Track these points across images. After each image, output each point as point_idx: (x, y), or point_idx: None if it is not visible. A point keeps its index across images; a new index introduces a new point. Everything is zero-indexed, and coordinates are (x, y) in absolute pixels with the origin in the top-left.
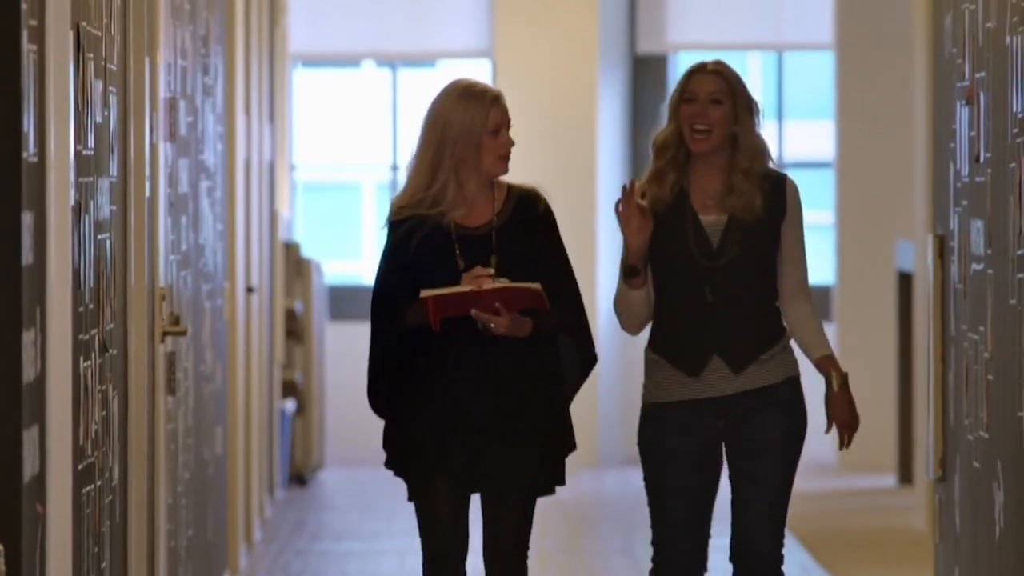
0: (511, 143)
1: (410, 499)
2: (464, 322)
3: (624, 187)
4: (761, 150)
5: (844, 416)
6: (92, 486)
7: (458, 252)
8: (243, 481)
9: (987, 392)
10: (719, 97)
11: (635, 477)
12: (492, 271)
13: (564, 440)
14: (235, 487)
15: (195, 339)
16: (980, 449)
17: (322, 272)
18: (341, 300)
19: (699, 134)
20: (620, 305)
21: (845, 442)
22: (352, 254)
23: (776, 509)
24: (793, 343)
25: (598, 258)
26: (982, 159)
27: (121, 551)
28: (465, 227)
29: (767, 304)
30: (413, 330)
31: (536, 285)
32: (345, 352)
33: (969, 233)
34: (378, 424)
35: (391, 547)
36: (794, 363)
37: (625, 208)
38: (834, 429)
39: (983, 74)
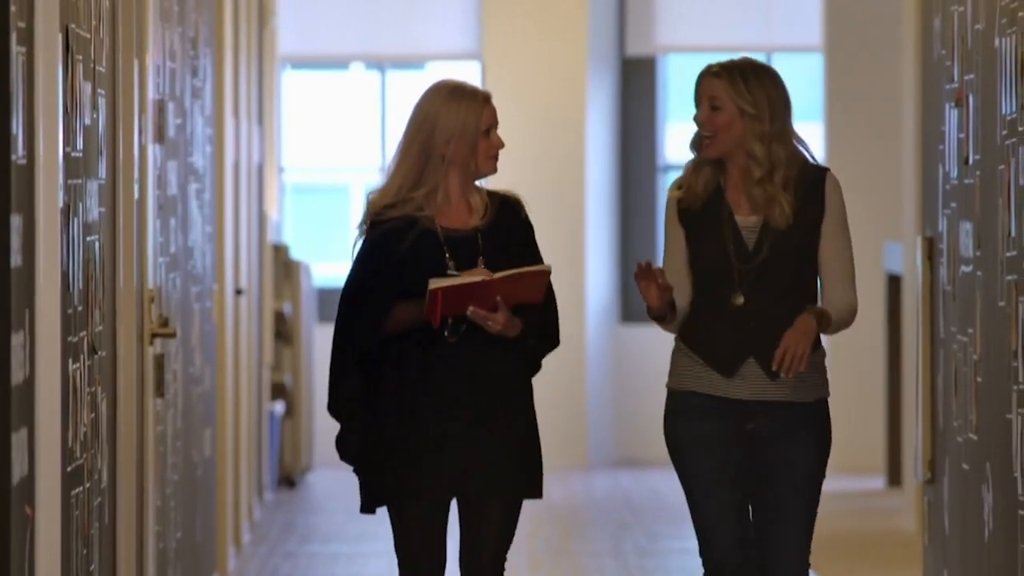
0: (501, 143)
1: (371, 509)
2: (435, 332)
3: (639, 265)
4: (782, 159)
5: (792, 338)
6: (81, 488)
7: (447, 253)
8: (232, 483)
9: (976, 394)
10: (717, 103)
11: (625, 479)
12: (485, 272)
13: (538, 447)
14: (224, 489)
15: (184, 341)
16: (969, 451)
17: (311, 274)
18: (330, 302)
19: (705, 139)
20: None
21: (776, 362)
22: (341, 256)
23: (802, 548)
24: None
25: (586, 260)
26: (971, 161)
27: (110, 553)
28: (451, 229)
29: (806, 307)
30: (395, 334)
31: (546, 266)
32: None
33: (958, 235)
34: None
35: (379, 549)
36: (825, 384)
37: (644, 283)
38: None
39: (972, 76)
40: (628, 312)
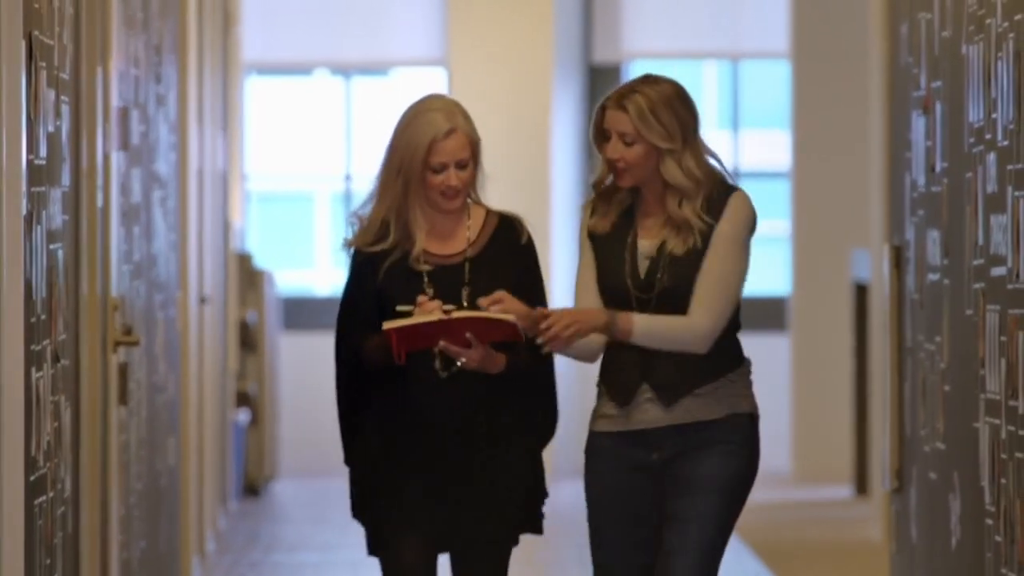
0: (455, 182)
1: (372, 554)
2: (428, 361)
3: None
4: (699, 178)
5: (561, 315)
6: (44, 497)
7: (427, 282)
8: (196, 492)
9: (943, 403)
10: (629, 139)
11: None
12: (441, 304)
13: (539, 488)
14: (188, 498)
15: (148, 350)
16: (936, 460)
17: (275, 282)
18: (294, 310)
19: (619, 172)
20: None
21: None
22: (305, 264)
23: (704, 559)
24: (754, 378)
25: (552, 268)
26: (938, 169)
27: (73, 563)
28: (436, 256)
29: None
30: (375, 368)
31: (511, 317)
32: (299, 363)
33: (925, 243)
34: (333, 434)
35: (344, 559)
36: (743, 398)
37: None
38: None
39: (939, 84)
40: None
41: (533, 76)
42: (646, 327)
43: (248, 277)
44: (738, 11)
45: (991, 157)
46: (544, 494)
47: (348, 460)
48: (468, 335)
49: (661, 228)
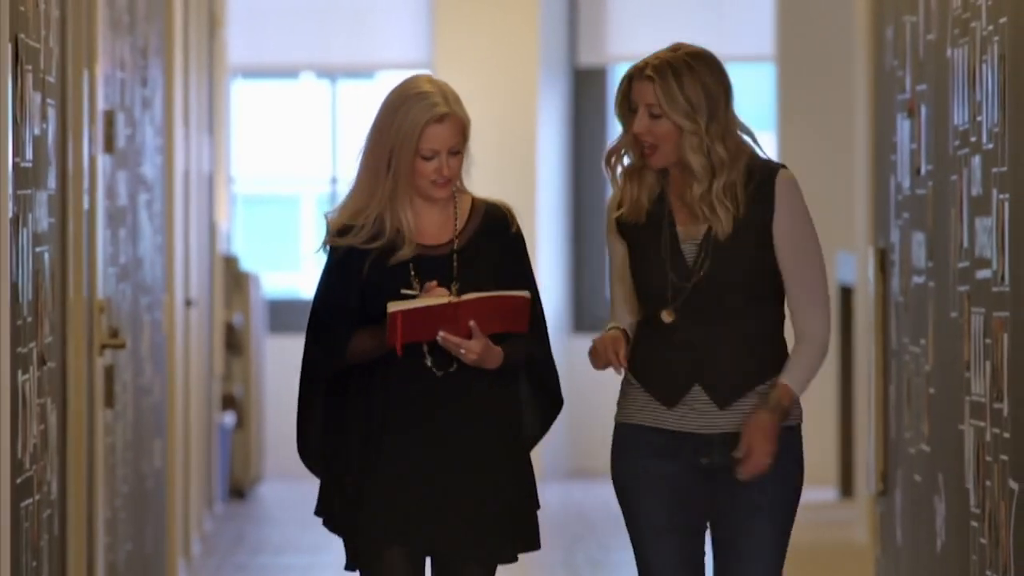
0: (448, 171)
1: (351, 568)
2: (414, 358)
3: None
4: (724, 160)
5: (754, 441)
6: (30, 500)
7: (414, 275)
8: (182, 495)
9: (928, 405)
10: (656, 111)
11: (577, 490)
12: (447, 292)
13: (530, 499)
14: (174, 501)
15: (134, 352)
16: (921, 462)
17: (261, 285)
18: (280, 313)
19: (648, 148)
20: None
21: (744, 470)
22: (291, 267)
23: None
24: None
25: (538, 271)
26: (923, 172)
27: (59, 565)
28: (423, 247)
29: (765, 328)
30: (356, 365)
31: (524, 293)
32: (284, 365)
33: (910, 246)
34: None
35: (330, 560)
36: (795, 409)
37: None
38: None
39: (924, 86)
40: (581, 322)
41: (518, 79)
42: (799, 382)
43: (234, 280)
44: (723, 14)
45: (976, 160)
46: (536, 506)
47: (312, 458)
48: (472, 324)
49: (697, 213)
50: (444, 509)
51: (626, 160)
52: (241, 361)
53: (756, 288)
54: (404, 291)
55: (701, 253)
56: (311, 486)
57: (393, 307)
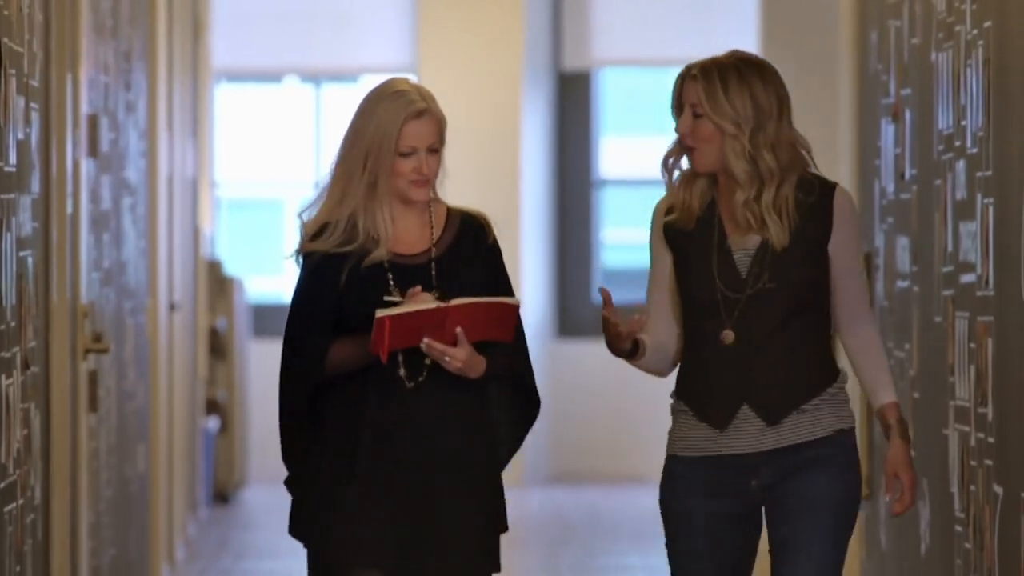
0: (427, 169)
1: None
2: (391, 370)
3: (604, 292)
4: (774, 172)
5: (901, 470)
6: (14, 504)
7: (392, 284)
8: (165, 499)
9: (913, 410)
10: (699, 111)
11: (560, 495)
12: (432, 297)
13: (498, 519)
14: (157, 505)
15: (117, 356)
16: None
17: (244, 289)
18: (264, 317)
19: (691, 151)
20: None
21: (904, 502)
22: (275, 271)
23: None
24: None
25: (522, 276)
26: (907, 176)
27: (43, 570)
28: (400, 255)
29: (812, 343)
30: (336, 376)
31: (514, 300)
32: (268, 370)
33: (895, 250)
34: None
35: None
36: (847, 414)
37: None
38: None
39: (909, 91)
40: (564, 327)
41: (503, 83)
42: (893, 384)
43: (218, 284)
44: (707, 18)
45: (960, 164)
46: (504, 529)
47: (294, 478)
48: (458, 331)
49: (752, 222)
50: (415, 532)
51: (684, 164)
52: (225, 365)
53: (807, 303)
54: (388, 298)
55: (755, 265)
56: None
57: (381, 313)
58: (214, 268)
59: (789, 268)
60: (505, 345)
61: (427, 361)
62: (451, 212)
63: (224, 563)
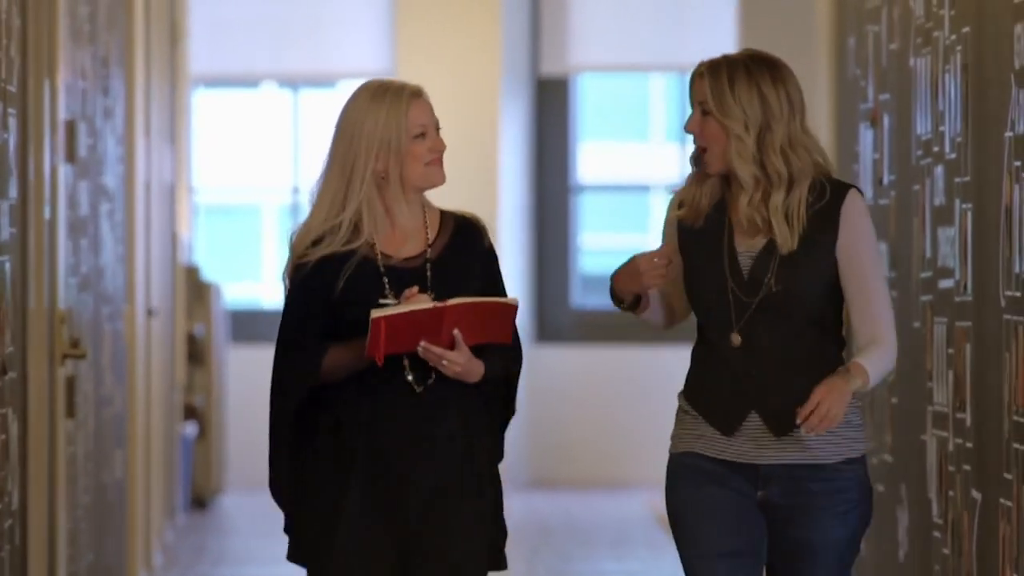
0: (443, 146)
1: None
2: (398, 373)
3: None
4: (782, 175)
5: (823, 396)
6: None
7: (388, 288)
8: (143, 505)
9: (891, 415)
10: (706, 108)
11: (538, 500)
12: (428, 298)
13: (500, 527)
14: (135, 511)
15: (95, 362)
16: (884, 472)
17: (222, 295)
18: (242, 323)
19: (701, 153)
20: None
21: (802, 415)
22: (253, 277)
23: None
24: (860, 409)
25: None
26: (886, 181)
27: None
28: (395, 259)
29: (825, 353)
30: (330, 384)
31: (513, 300)
32: (246, 375)
33: None
34: None
35: (292, 572)
36: (857, 437)
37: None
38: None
39: (887, 96)
40: (542, 332)
41: (481, 88)
42: (875, 370)
43: (195, 290)
44: (685, 24)
45: (939, 170)
46: (505, 534)
47: (283, 494)
48: (456, 333)
49: (759, 224)
50: (417, 547)
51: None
52: (203, 371)
53: (818, 310)
54: (383, 300)
55: (759, 268)
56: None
57: (376, 313)
58: (192, 274)
59: (797, 274)
60: (501, 347)
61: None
62: (444, 215)
63: (202, 569)
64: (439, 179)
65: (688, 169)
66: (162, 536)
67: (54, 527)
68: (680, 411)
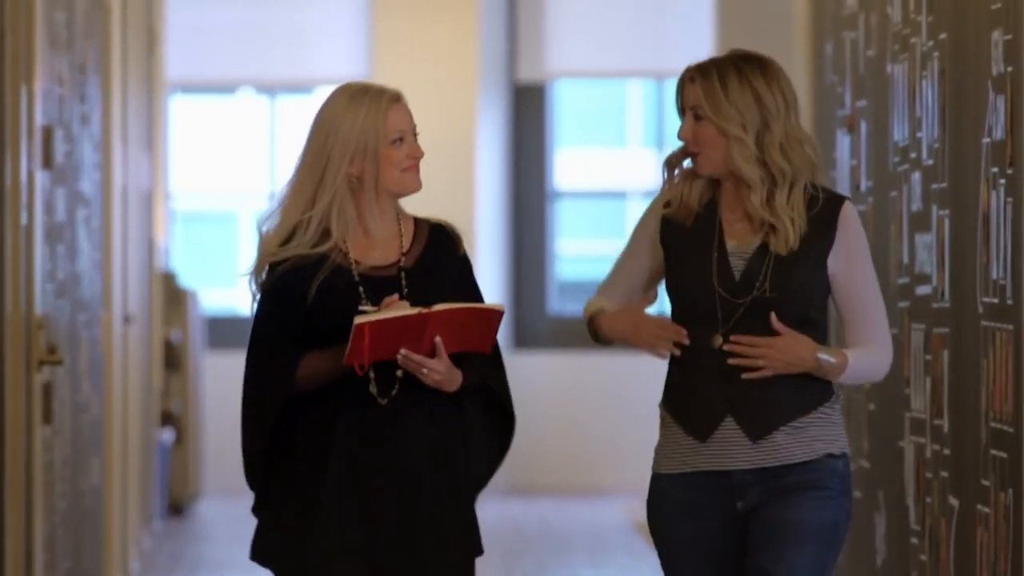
0: (420, 152)
1: None
2: (360, 394)
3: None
4: (786, 173)
5: (782, 344)
6: None
7: (363, 297)
8: (120, 512)
9: (868, 422)
10: (700, 113)
11: (515, 507)
12: (409, 305)
13: (473, 543)
14: (112, 518)
15: (72, 369)
16: (861, 478)
17: (199, 302)
18: (219, 329)
19: (694, 156)
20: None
21: (744, 351)
22: (229, 283)
23: None
24: (837, 408)
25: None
26: (863, 188)
27: None
28: (368, 266)
29: None
30: (304, 395)
31: (499, 306)
32: (223, 381)
33: None
34: None
35: None
36: (837, 436)
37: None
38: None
39: (864, 103)
40: (520, 339)
41: (458, 95)
42: (857, 363)
43: (172, 296)
44: (662, 30)
45: (916, 176)
46: (479, 552)
47: (263, 507)
48: (437, 340)
49: (751, 225)
50: (389, 556)
51: (686, 164)
52: (179, 377)
53: (809, 314)
54: (362, 308)
55: (751, 270)
56: (250, 503)
57: (360, 319)
58: (168, 280)
59: (792, 276)
60: (480, 357)
61: (399, 374)
62: (419, 223)
63: (179, 575)
64: (415, 186)
65: (662, 173)
66: (139, 542)
67: (31, 533)
68: (661, 422)
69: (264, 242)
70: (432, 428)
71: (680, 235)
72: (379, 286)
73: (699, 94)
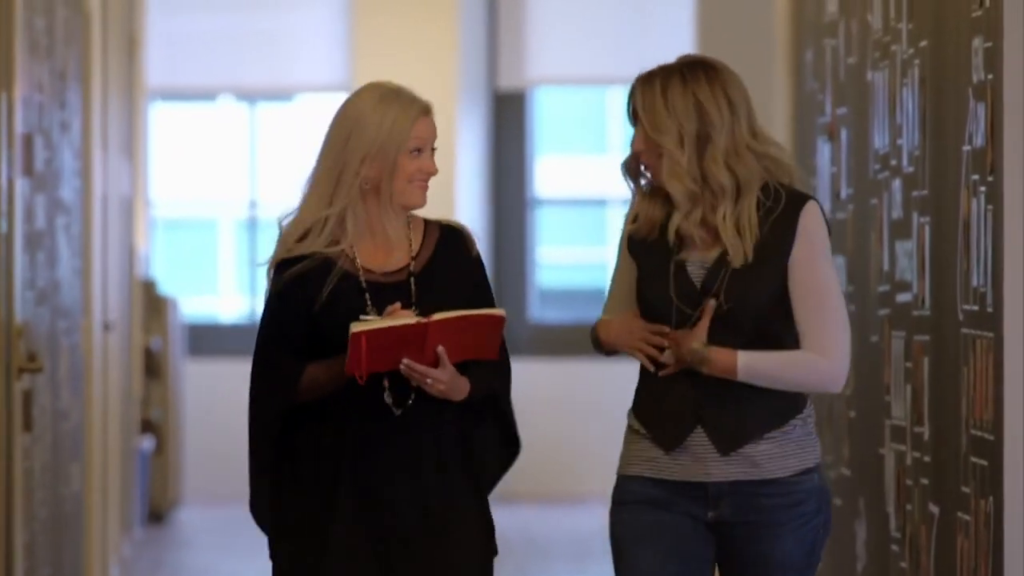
0: (433, 169)
1: None
2: (371, 393)
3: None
4: (725, 188)
5: (681, 339)
6: None
7: (369, 304)
8: (100, 519)
9: (848, 429)
10: (637, 117)
11: (507, 514)
12: (411, 313)
13: (489, 546)
14: (92, 525)
15: (52, 376)
16: (842, 486)
17: (179, 309)
18: (199, 337)
19: (649, 166)
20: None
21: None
22: (209, 291)
23: None
24: (811, 419)
25: None
26: (843, 195)
27: None
28: (376, 272)
29: None
30: (312, 399)
31: (499, 311)
32: (203, 389)
33: None
34: (238, 460)
35: None
36: (810, 448)
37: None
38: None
39: (844, 110)
40: None
41: (438, 102)
42: (753, 361)
43: (152, 303)
44: (642, 37)
45: (896, 183)
46: (495, 552)
47: (265, 518)
48: (440, 350)
49: (707, 238)
50: (401, 561)
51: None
52: (159, 385)
53: (770, 323)
54: (363, 316)
55: (710, 280)
56: (230, 510)
57: (356, 328)
58: (148, 287)
59: (748, 288)
60: (488, 364)
61: (415, 383)
62: (429, 225)
63: None
64: (418, 201)
65: (625, 181)
66: (119, 550)
67: (11, 540)
68: (628, 429)
69: (282, 237)
70: (443, 438)
71: (643, 248)
72: (387, 293)
73: (639, 103)
